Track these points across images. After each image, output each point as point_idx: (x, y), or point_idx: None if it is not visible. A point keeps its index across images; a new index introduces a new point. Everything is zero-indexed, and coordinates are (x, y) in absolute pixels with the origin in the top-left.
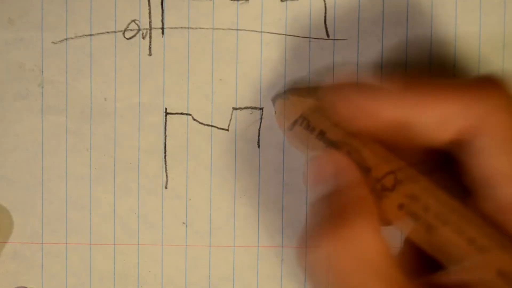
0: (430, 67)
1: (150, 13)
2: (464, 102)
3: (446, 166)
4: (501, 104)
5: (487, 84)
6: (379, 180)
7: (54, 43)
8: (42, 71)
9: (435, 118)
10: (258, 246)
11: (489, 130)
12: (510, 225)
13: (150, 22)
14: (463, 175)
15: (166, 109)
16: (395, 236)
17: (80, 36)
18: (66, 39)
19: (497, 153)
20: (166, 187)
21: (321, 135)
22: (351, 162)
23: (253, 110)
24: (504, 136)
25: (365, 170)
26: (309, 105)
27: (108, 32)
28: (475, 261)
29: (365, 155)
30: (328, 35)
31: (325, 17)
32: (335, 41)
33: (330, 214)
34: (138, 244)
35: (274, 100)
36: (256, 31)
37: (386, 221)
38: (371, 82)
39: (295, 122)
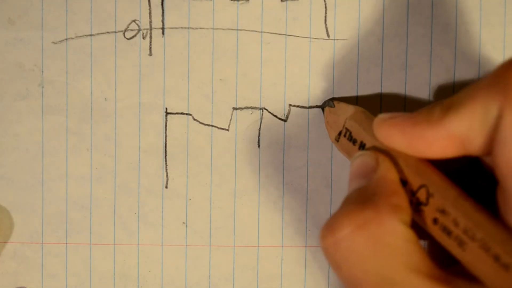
0: (430, 67)
1: (150, 13)
2: (492, 92)
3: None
4: None
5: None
6: (414, 194)
7: (54, 43)
8: (42, 71)
9: (476, 123)
10: (258, 246)
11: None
12: None
13: (150, 22)
14: (494, 167)
15: (166, 109)
16: None
17: (81, 36)
18: (66, 39)
19: None
20: (166, 187)
21: (362, 147)
22: (392, 163)
23: (253, 110)
24: None
25: (402, 182)
26: (351, 113)
27: (108, 32)
28: (501, 279)
29: (400, 166)
30: (328, 35)
31: (325, 17)
32: (335, 41)
33: (358, 199)
34: (138, 244)
35: (323, 107)
36: (256, 31)
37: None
38: (412, 112)
39: (339, 134)
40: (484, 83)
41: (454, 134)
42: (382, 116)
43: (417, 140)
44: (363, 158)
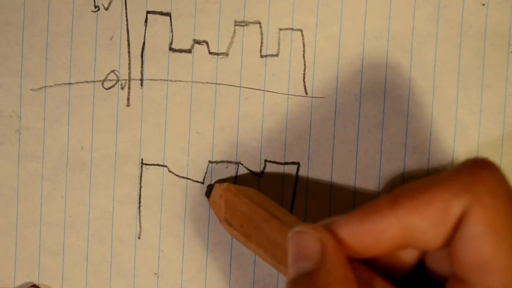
0: (407, 128)
1: (129, 64)
2: (456, 190)
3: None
4: (491, 190)
5: (477, 169)
6: None
7: (33, 90)
8: (20, 118)
9: (433, 217)
10: None
11: (480, 217)
12: None
13: (129, 73)
14: (453, 262)
15: (142, 160)
16: None
17: (59, 84)
18: (45, 86)
19: (487, 240)
20: (139, 238)
21: None
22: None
23: (229, 164)
24: (494, 223)
25: None
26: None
27: (87, 82)
28: None
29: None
30: (306, 92)
31: (304, 74)
32: (313, 98)
33: None
34: None
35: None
36: (234, 86)
37: None
38: (363, 206)
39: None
40: (447, 179)
41: (406, 225)
42: (321, 223)
43: (366, 234)
44: (304, 238)
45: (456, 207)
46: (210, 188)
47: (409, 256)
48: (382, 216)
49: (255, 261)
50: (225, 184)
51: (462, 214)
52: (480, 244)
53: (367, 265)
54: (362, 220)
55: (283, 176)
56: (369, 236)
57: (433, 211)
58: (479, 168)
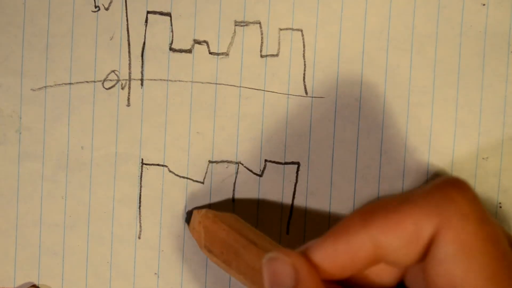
0: (407, 128)
1: (130, 64)
2: (427, 211)
3: None
4: (461, 211)
5: (448, 189)
6: None
7: (33, 90)
8: (20, 117)
9: (404, 236)
10: None
11: (450, 238)
12: None
13: (129, 73)
14: (427, 283)
15: (142, 159)
16: None
17: (60, 84)
18: (45, 86)
19: (458, 261)
20: (139, 238)
21: None
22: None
23: (229, 164)
24: (464, 244)
25: None
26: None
27: (87, 82)
28: None
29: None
30: (306, 92)
31: (304, 74)
32: (313, 98)
33: None
34: None
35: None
36: (235, 86)
37: None
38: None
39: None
40: (418, 200)
41: (378, 243)
42: (297, 250)
43: (341, 255)
44: (278, 264)
45: (426, 227)
46: (189, 214)
47: (389, 276)
48: (354, 235)
49: None
50: (204, 211)
51: (433, 235)
52: (451, 266)
53: (347, 285)
54: (336, 242)
55: (283, 176)
56: (344, 257)
57: (404, 231)
58: (450, 189)
